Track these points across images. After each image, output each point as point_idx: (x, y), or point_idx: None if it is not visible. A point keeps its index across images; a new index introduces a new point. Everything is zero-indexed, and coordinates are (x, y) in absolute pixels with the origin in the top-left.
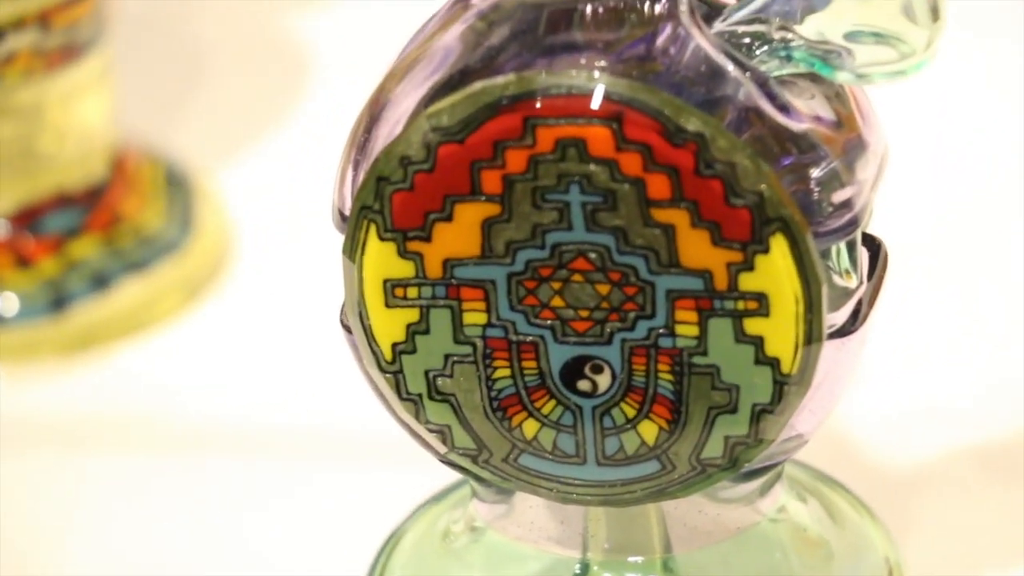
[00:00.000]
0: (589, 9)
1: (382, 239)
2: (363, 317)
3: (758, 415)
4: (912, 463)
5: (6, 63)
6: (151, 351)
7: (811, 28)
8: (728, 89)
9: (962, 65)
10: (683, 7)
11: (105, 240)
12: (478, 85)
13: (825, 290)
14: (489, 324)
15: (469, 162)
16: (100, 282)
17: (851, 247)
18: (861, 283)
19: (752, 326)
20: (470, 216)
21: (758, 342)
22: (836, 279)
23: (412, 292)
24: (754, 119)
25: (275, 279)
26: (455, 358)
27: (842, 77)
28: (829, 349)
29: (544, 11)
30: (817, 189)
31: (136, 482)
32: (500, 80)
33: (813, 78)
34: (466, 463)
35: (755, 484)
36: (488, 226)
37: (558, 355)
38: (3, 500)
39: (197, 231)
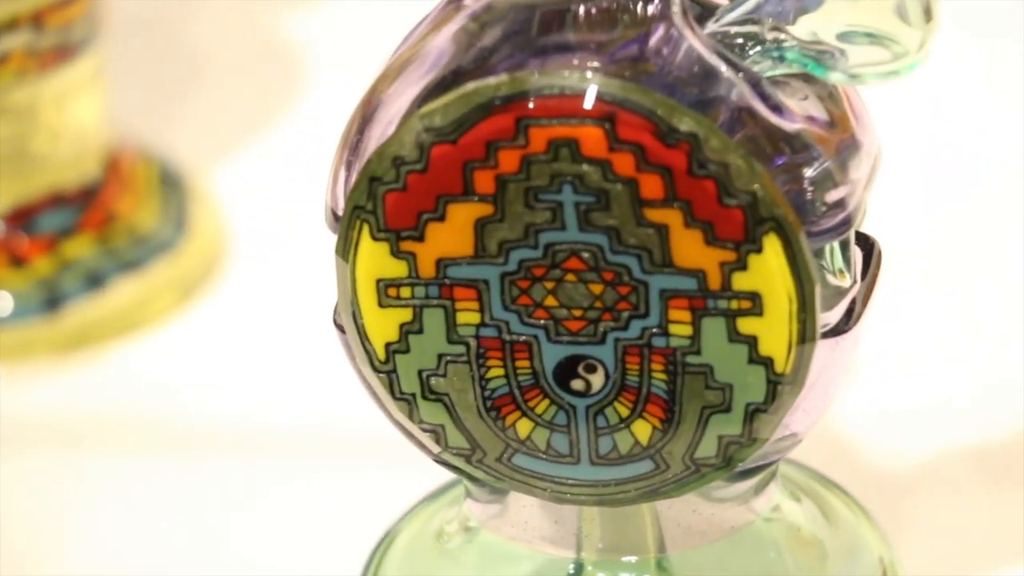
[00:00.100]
0: (582, 10)
1: (375, 239)
2: (356, 317)
3: (752, 414)
4: (906, 463)
5: (0, 63)
6: (145, 350)
7: (804, 28)
8: (721, 89)
9: (955, 65)
10: (676, 8)
11: (99, 240)
12: (471, 86)
13: (818, 289)
14: (482, 324)
15: (462, 162)
16: (94, 281)
17: (844, 246)
18: (855, 282)
19: (745, 325)
20: (463, 216)
21: (751, 341)
22: (829, 278)
23: (405, 292)
24: (747, 119)
25: (269, 279)
26: (448, 358)
27: (835, 77)
28: (823, 348)
29: (537, 12)
30: (810, 189)
31: (131, 481)
32: (493, 81)
33: (806, 78)
34: (460, 463)
35: (749, 483)
36: (481, 226)
37: (551, 355)
38: None
39: (191, 231)
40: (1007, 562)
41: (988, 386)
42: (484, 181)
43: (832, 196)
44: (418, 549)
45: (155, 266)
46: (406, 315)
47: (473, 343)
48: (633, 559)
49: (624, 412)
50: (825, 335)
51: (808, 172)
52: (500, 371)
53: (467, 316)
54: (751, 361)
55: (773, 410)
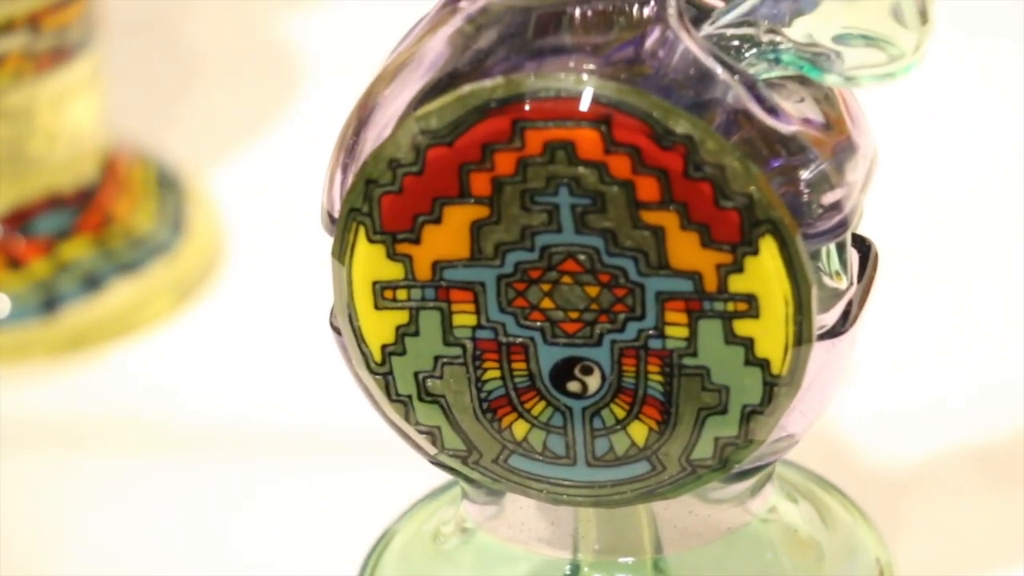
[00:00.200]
0: (578, 12)
1: (371, 241)
2: (352, 319)
3: (748, 416)
4: (903, 464)
5: None
6: (142, 352)
7: (800, 31)
8: (717, 92)
9: (951, 67)
10: (671, 10)
11: (96, 241)
12: (467, 88)
13: (815, 291)
14: (479, 326)
15: (458, 165)
16: (91, 283)
17: (841, 248)
18: (851, 284)
19: (742, 327)
20: (459, 218)
21: (748, 343)
22: (826, 280)
23: (401, 294)
24: (743, 121)
25: (266, 280)
26: (445, 359)
27: (831, 80)
28: (819, 350)
29: (533, 14)
30: (806, 191)
31: (129, 482)
32: (488, 83)
33: (802, 80)
34: (456, 464)
35: (746, 485)
36: (477, 228)
37: (548, 356)
38: None
39: (188, 232)
40: (1004, 563)
41: (984, 387)
42: (480, 183)
43: (828, 198)
44: (415, 550)
45: (152, 268)
46: (402, 317)
47: (469, 345)
48: (629, 560)
49: (620, 414)
50: (821, 337)
51: (804, 174)
52: (496, 373)
53: (463, 318)
54: (747, 363)
55: (769, 412)
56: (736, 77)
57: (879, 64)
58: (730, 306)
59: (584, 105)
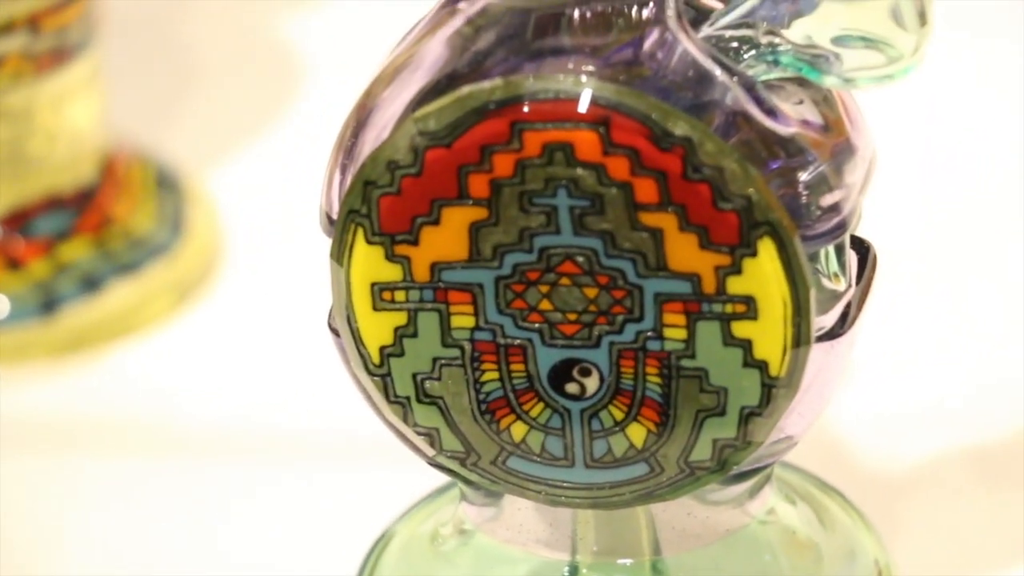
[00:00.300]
0: (577, 14)
1: (369, 243)
2: (351, 320)
3: (746, 418)
4: (901, 465)
5: None
6: (142, 353)
7: (798, 32)
8: (715, 93)
9: (950, 68)
10: (670, 12)
11: (96, 242)
12: (465, 89)
13: (813, 293)
14: (477, 327)
15: (456, 166)
16: (91, 284)
17: (839, 250)
18: (850, 286)
19: (740, 329)
20: (457, 220)
21: (746, 345)
22: (824, 282)
23: (400, 295)
24: (742, 123)
25: (265, 281)
26: (443, 361)
27: (829, 81)
28: (817, 352)
29: (532, 16)
30: (805, 193)
31: (128, 483)
32: (487, 84)
33: (801, 82)
34: (454, 466)
35: (744, 486)
36: (475, 230)
37: (546, 358)
38: None
39: (188, 233)
40: (1003, 564)
41: (983, 388)
42: (478, 185)
43: (827, 200)
44: (413, 551)
45: (151, 269)
46: (400, 319)
47: (468, 346)
48: (628, 562)
49: (619, 415)
50: (820, 339)
51: (803, 176)
52: (495, 374)
53: (462, 320)
54: (746, 365)
55: (768, 414)
56: (735, 79)
57: (878, 66)
58: (728, 308)
59: (583, 107)
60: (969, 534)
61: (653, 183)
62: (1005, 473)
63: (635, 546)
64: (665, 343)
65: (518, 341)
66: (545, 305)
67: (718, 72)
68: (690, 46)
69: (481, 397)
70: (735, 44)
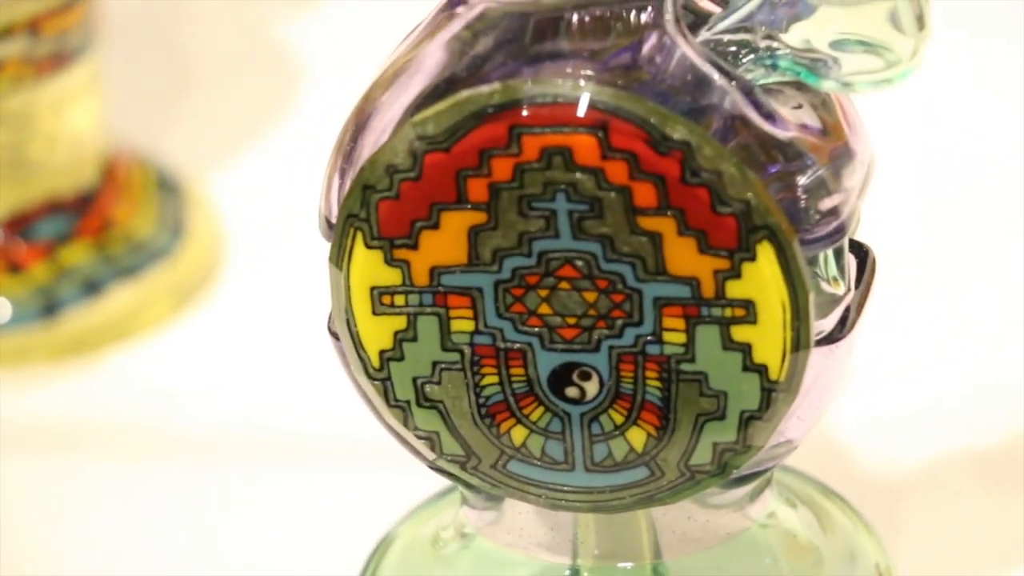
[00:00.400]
0: (575, 18)
1: (369, 247)
2: (351, 324)
3: (746, 422)
4: (901, 469)
5: None
6: (142, 357)
7: (797, 36)
8: (714, 98)
9: (948, 72)
10: (668, 16)
11: (96, 246)
12: (464, 94)
13: (812, 297)
14: (477, 331)
15: (455, 170)
16: (91, 288)
17: (838, 254)
18: (849, 290)
19: (739, 333)
20: (456, 224)
21: (746, 349)
22: (823, 286)
23: (399, 300)
24: (740, 127)
25: (265, 285)
26: (443, 365)
27: (828, 85)
28: (817, 356)
29: (530, 20)
30: (804, 197)
31: (128, 487)
32: (486, 89)
33: (799, 86)
34: (455, 470)
35: (744, 490)
36: (474, 234)
37: (546, 362)
38: None
39: (188, 237)
40: (1004, 566)
41: (982, 391)
42: (477, 189)
43: (826, 204)
44: (414, 554)
45: (152, 272)
46: (400, 323)
47: (467, 350)
48: (629, 565)
49: (619, 419)
50: (819, 343)
51: (801, 180)
52: (495, 378)
53: (461, 324)
54: (745, 369)
55: (767, 417)
56: (733, 83)
57: (876, 70)
58: (728, 312)
59: (581, 111)
60: (969, 537)
61: (652, 187)
62: (1005, 475)
63: (636, 550)
64: (665, 347)
65: (518, 345)
66: (545, 309)
67: (716, 76)
68: (688, 50)
69: (481, 401)
70: (733, 48)
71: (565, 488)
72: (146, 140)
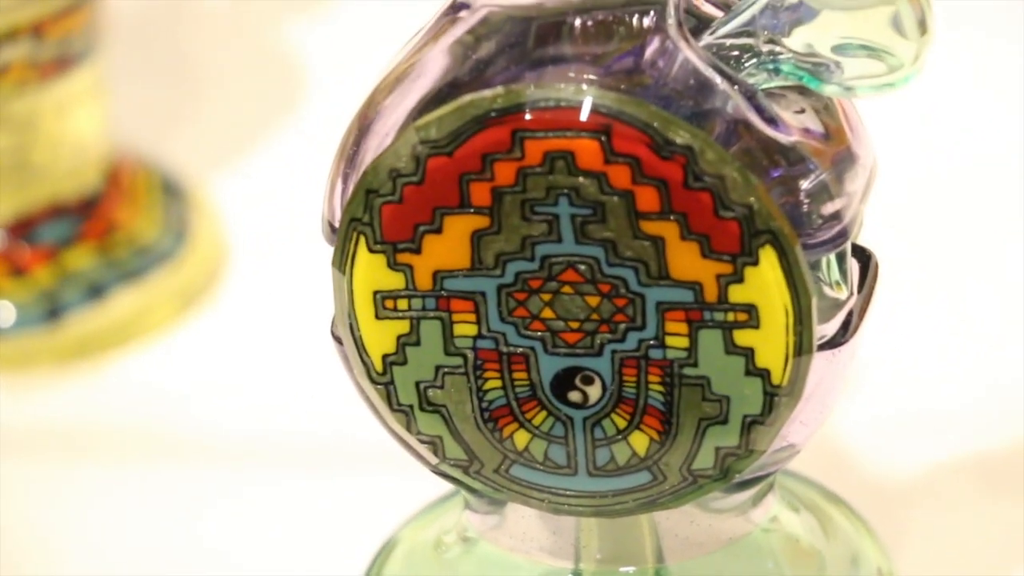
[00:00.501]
0: (578, 22)
1: (372, 251)
2: (353, 329)
3: (749, 426)
4: (904, 473)
5: (0, 74)
6: (146, 360)
7: (799, 41)
8: (716, 102)
9: (950, 76)
10: (671, 20)
11: (100, 250)
12: (467, 98)
13: (815, 302)
14: (479, 335)
15: (458, 175)
16: (95, 292)
17: (841, 259)
18: (851, 295)
19: (742, 337)
20: (459, 228)
21: (748, 353)
22: (826, 291)
23: (402, 304)
24: (743, 132)
25: (269, 289)
26: (446, 369)
27: (830, 90)
28: (819, 360)
29: (533, 24)
30: (806, 201)
31: (132, 489)
32: (489, 93)
33: (801, 91)
34: (457, 474)
35: (747, 494)
36: (477, 238)
37: (548, 366)
38: None
39: (192, 241)
40: (1006, 571)
41: (985, 396)
42: (480, 193)
43: (828, 208)
44: (417, 558)
45: (155, 276)
46: (403, 327)
47: (470, 355)
48: (631, 569)
49: (621, 424)
50: (822, 347)
51: (804, 184)
52: (497, 383)
53: (464, 328)
54: (748, 373)
55: (770, 422)
56: (736, 87)
57: (878, 74)
58: (730, 316)
59: (584, 115)
60: (972, 541)
61: (654, 191)
62: (1008, 480)
63: (638, 554)
64: (667, 351)
65: (520, 349)
66: (547, 313)
67: (719, 80)
68: (691, 54)
69: (484, 405)
70: (736, 53)
71: (568, 492)
72: (150, 144)
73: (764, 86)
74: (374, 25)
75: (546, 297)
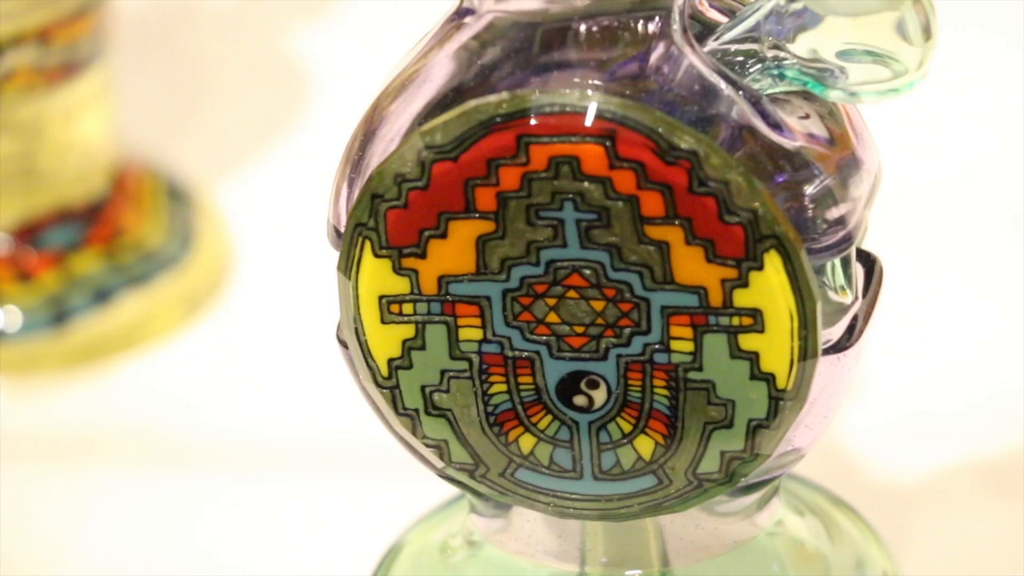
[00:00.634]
0: (583, 28)
1: (377, 256)
2: (359, 333)
3: (754, 430)
4: (910, 477)
5: (6, 80)
6: (152, 365)
7: (803, 46)
8: (721, 107)
9: (955, 82)
10: (676, 26)
11: (106, 255)
12: (472, 103)
13: (819, 306)
14: (485, 340)
15: (463, 179)
16: (101, 296)
17: (846, 263)
18: (856, 299)
19: (747, 342)
20: (464, 233)
21: (753, 358)
22: (831, 295)
23: (408, 308)
24: (747, 137)
25: (274, 293)
26: (451, 373)
27: (834, 95)
28: (824, 364)
29: (538, 30)
30: (811, 206)
31: (138, 495)
32: (493, 98)
33: (806, 96)
34: (463, 478)
35: (752, 498)
36: (483, 243)
37: (554, 371)
38: (4, 513)
39: (197, 246)
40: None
41: (991, 400)
42: (485, 198)
43: (833, 213)
44: (423, 562)
45: (162, 281)
46: (408, 331)
47: (476, 359)
48: (637, 573)
49: (627, 428)
50: (827, 351)
51: (809, 190)
52: (503, 387)
53: (469, 332)
54: (753, 377)
55: (775, 426)
56: (740, 92)
57: (883, 80)
58: (735, 320)
59: (589, 120)
60: (978, 545)
61: (659, 196)
62: (1013, 483)
63: (644, 558)
64: (672, 356)
65: (526, 354)
66: (552, 318)
67: (724, 86)
68: (696, 60)
69: (489, 409)
70: (740, 58)
71: (573, 496)
72: (156, 149)
73: (769, 91)
74: (379, 31)
75: (551, 302)
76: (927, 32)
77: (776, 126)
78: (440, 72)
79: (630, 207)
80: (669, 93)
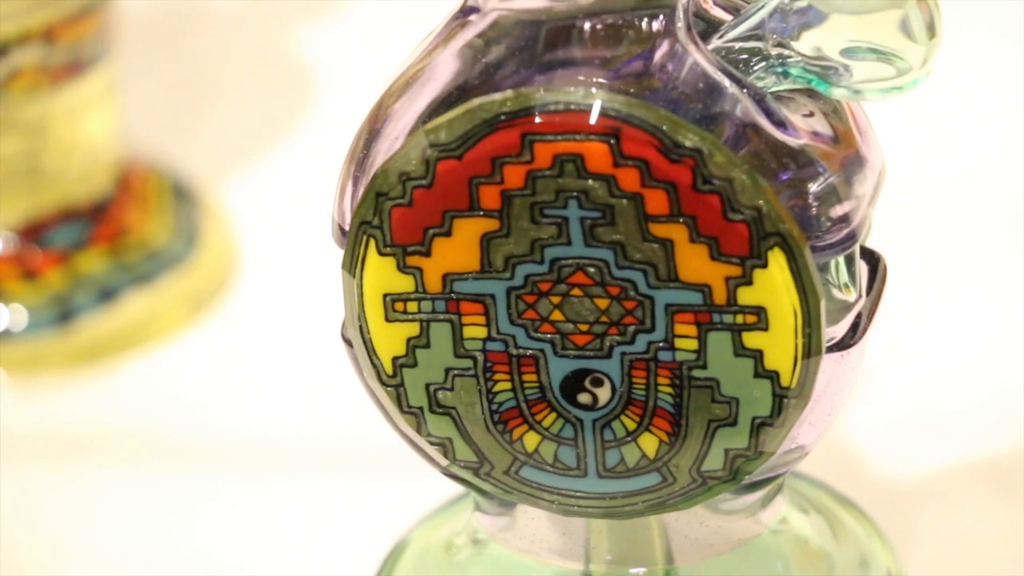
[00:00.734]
0: (587, 26)
1: (382, 254)
2: (364, 331)
3: (758, 428)
4: (914, 476)
5: (11, 79)
6: (157, 364)
7: (808, 44)
8: (725, 105)
9: (959, 80)
10: (680, 24)
11: (111, 253)
12: (476, 101)
13: (823, 304)
14: (489, 338)
15: (467, 178)
16: (106, 295)
17: (849, 261)
18: (860, 297)
19: (751, 340)
20: (469, 231)
21: (757, 355)
22: (835, 293)
23: (412, 306)
24: (752, 135)
25: (279, 292)
26: (456, 372)
27: (839, 93)
28: (828, 362)
29: (542, 28)
30: (815, 204)
31: (142, 493)
32: (498, 96)
33: (810, 94)
34: (468, 476)
35: (756, 496)
36: (487, 241)
37: (558, 368)
38: (8, 511)
39: (202, 245)
40: (1016, 574)
41: (994, 397)
42: (490, 196)
43: (837, 211)
44: (427, 560)
45: (166, 280)
46: (413, 329)
47: (480, 357)
48: (641, 571)
49: (631, 425)
50: (831, 349)
51: (813, 187)
52: (507, 385)
53: (474, 330)
54: (757, 375)
55: (779, 423)
56: (744, 90)
57: (887, 78)
58: (739, 318)
59: (593, 118)
60: (982, 543)
61: (663, 194)
62: (1018, 482)
63: (648, 555)
64: (676, 353)
65: (530, 352)
66: (557, 316)
67: (728, 84)
68: (700, 58)
69: (494, 407)
70: (744, 56)
71: (577, 494)
72: (161, 148)
73: (773, 89)
74: (384, 29)
75: (555, 300)
76: (931, 30)
77: (780, 124)
78: (444, 70)
79: (634, 205)
80: (673, 91)
